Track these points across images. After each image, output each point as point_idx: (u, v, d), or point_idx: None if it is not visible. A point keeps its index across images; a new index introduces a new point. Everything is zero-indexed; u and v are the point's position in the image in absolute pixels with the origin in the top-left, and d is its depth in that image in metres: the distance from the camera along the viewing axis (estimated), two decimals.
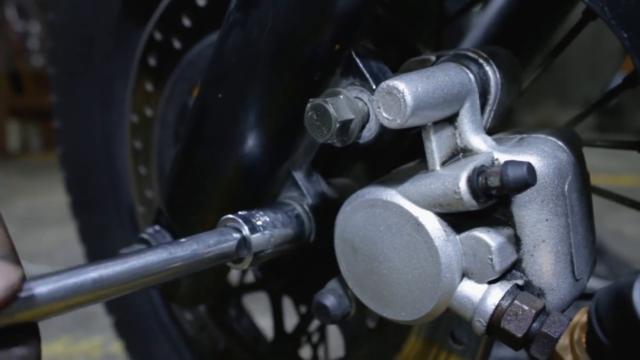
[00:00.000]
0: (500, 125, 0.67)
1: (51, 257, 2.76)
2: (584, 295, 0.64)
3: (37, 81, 5.85)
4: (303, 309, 1.00)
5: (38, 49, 5.84)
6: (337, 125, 0.55)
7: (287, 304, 1.03)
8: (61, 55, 1.21)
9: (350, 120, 0.56)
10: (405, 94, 0.51)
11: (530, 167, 0.51)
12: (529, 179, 0.50)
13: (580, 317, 0.50)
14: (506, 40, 1.04)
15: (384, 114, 0.52)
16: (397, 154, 0.67)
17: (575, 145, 0.61)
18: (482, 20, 1.08)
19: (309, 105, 0.56)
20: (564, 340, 0.50)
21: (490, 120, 0.61)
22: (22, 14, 5.80)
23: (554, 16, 1.02)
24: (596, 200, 0.73)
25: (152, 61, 1.02)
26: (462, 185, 0.52)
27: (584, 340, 0.48)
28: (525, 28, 1.04)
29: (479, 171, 0.53)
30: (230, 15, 0.62)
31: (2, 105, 5.96)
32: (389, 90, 0.51)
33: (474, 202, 0.52)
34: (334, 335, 0.99)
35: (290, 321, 1.04)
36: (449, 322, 0.75)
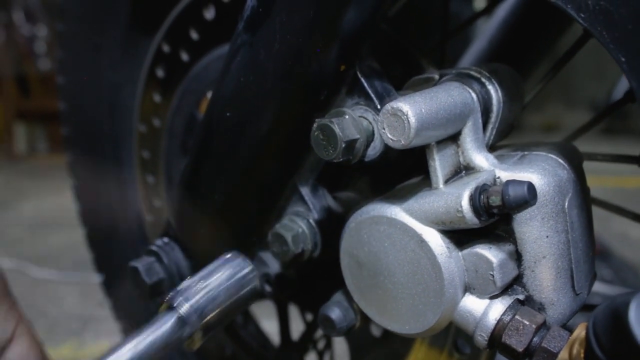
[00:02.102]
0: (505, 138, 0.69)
1: (58, 261, 2.78)
2: (587, 307, 0.65)
3: (44, 84, 5.88)
4: (309, 317, 1.02)
5: (45, 52, 5.87)
6: (343, 145, 0.56)
7: (293, 310, 1.04)
8: (70, 65, 1.23)
9: (356, 140, 0.58)
10: (409, 116, 0.52)
11: (530, 186, 0.52)
12: (529, 198, 0.51)
13: (580, 332, 0.51)
14: (509, 51, 1.05)
15: (389, 135, 0.53)
16: (402, 169, 0.69)
17: (575, 161, 0.62)
18: (486, 31, 1.09)
19: (315, 125, 0.58)
20: (563, 355, 0.52)
21: (492, 137, 0.63)
22: (29, 18, 5.83)
23: (557, 28, 1.03)
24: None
25: (160, 72, 1.04)
26: (465, 203, 0.54)
27: (582, 355, 0.49)
28: (528, 39, 1.05)
29: (480, 190, 0.54)
30: (238, 37, 0.63)
31: (10, 108, 6.01)
32: (394, 112, 0.53)
33: (476, 220, 0.54)
34: (340, 343, 1.00)
35: (297, 327, 1.05)
36: (452, 333, 0.77)
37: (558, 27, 1.02)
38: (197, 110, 1.00)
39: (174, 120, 1.04)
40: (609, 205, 0.78)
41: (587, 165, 0.64)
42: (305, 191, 0.70)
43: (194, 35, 0.96)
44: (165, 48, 1.02)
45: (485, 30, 1.08)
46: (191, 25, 0.95)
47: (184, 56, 0.99)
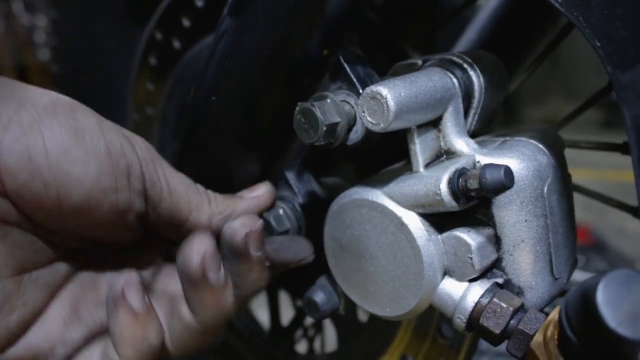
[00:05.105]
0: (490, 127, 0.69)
1: None
2: (566, 292, 0.66)
3: (44, 74, 5.88)
4: (299, 303, 1.03)
5: (44, 42, 5.86)
6: (324, 129, 0.57)
7: (284, 299, 1.05)
8: (65, 53, 1.24)
9: (337, 124, 0.58)
10: (388, 99, 0.53)
11: (507, 170, 0.53)
12: (505, 181, 0.52)
13: (554, 314, 0.52)
14: (500, 41, 1.05)
15: (369, 118, 0.54)
16: (386, 155, 0.69)
17: (556, 148, 0.63)
18: (476, 21, 1.09)
19: (297, 108, 0.58)
20: (538, 337, 0.53)
21: (474, 123, 0.63)
22: (28, 8, 5.82)
23: (547, 18, 1.03)
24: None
25: (152, 60, 1.05)
26: (443, 187, 0.54)
27: (556, 337, 0.50)
28: (519, 29, 1.05)
29: (459, 173, 0.55)
30: (223, 22, 0.64)
31: None
32: (373, 95, 0.53)
33: (454, 203, 0.55)
34: (330, 329, 1.01)
35: (287, 314, 1.06)
36: (437, 318, 0.78)
37: (549, 17, 1.02)
38: (189, 97, 1.00)
39: (166, 108, 1.05)
40: (593, 193, 0.79)
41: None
42: (290, 176, 0.71)
43: (186, 22, 0.96)
44: (158, 36, 1.02)
45: (476, 21, 1.08)
46: (183, 12, 0.96)
47: (176, 44, 0.99)
